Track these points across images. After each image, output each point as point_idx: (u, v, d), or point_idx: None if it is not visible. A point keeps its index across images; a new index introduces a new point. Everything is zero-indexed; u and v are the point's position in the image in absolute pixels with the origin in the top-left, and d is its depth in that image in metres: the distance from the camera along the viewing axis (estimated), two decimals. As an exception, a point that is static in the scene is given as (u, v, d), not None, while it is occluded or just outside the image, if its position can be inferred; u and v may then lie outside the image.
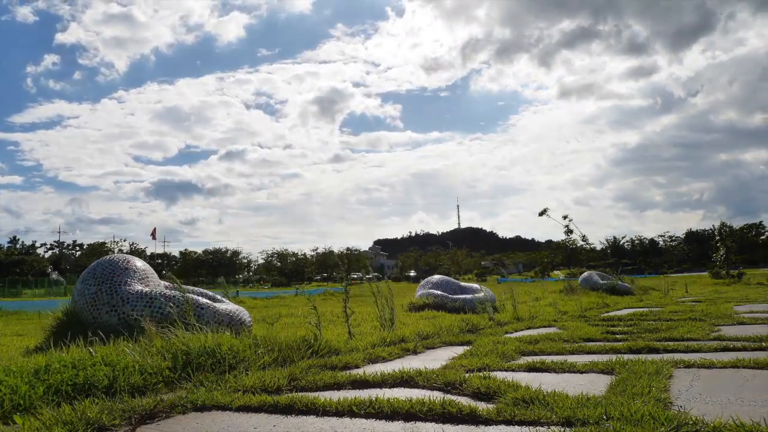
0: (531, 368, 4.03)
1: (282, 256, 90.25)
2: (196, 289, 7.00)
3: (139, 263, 6.50)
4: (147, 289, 5.93)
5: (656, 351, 4.78)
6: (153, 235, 43.00)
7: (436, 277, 12.67)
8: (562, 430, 2.39)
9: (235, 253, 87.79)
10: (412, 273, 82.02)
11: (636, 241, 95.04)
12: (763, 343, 4.85)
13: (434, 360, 4.66)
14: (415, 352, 5.25)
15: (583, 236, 20.47)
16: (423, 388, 3.45)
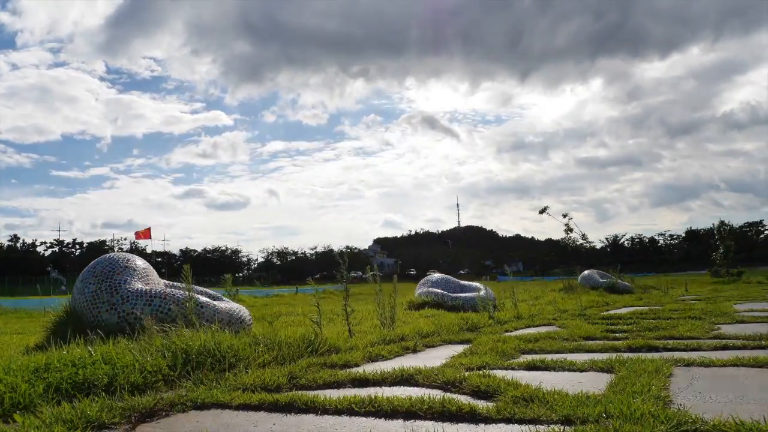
0: (531, 366, 4.03)
1: (282, 254, 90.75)
2: (196, 287, 6.99)
3: (139, 261, 6.50)
4: (147, 288, 5.93)
5: (656, 349, 4.79)
6: (148, 234, 42.74)
7: (436, 275, 12.66)
8: (562, 428, 2.39)
9: (236, 252, 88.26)
10: (412, 272, 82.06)
11: (636, 240, 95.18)
12: (763, 342, 4.85)
13: (434, 358, 4.66)
14: (414, 351, 5.25)
15: (583, 234, 20.43)
16: (423, 386, 3.46)
